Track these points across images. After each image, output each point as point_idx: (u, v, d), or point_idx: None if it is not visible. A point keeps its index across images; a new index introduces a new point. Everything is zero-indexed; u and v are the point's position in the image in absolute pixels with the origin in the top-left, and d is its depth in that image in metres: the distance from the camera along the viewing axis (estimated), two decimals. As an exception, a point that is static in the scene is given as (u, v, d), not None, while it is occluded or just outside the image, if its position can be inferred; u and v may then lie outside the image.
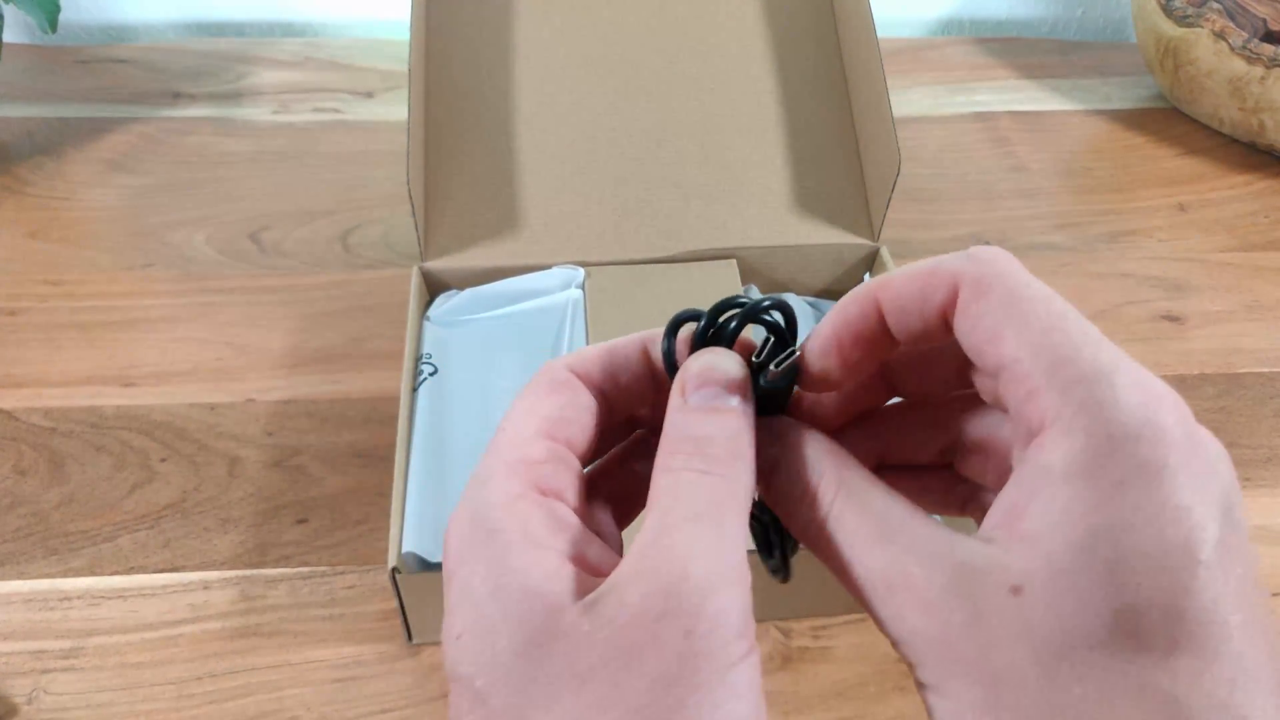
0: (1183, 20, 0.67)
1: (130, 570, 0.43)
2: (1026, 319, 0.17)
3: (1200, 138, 0.71)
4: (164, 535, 0.44)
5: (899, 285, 0.19)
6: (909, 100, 0.73)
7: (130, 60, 0.74)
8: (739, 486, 0.19)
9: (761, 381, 0.21)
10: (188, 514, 0.45)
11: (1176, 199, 0.66)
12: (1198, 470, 0.16)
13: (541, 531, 0.19)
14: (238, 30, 0.80)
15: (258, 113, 0.69)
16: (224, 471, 0.47)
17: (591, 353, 0.22)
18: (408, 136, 0.45)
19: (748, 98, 0.54)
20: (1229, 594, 0.15)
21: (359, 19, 0.80)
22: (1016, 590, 0.16)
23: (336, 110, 0.70)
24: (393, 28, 0.79)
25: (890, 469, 0.23)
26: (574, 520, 0.20)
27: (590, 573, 0.18)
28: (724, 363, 0.20)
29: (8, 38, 0.69)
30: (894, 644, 0.18)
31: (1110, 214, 0.65)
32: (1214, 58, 0.66)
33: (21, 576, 0.42)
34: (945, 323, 0.19)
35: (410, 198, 0.46)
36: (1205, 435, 0.17)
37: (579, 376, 0.21)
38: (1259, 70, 0.64)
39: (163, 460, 0.47)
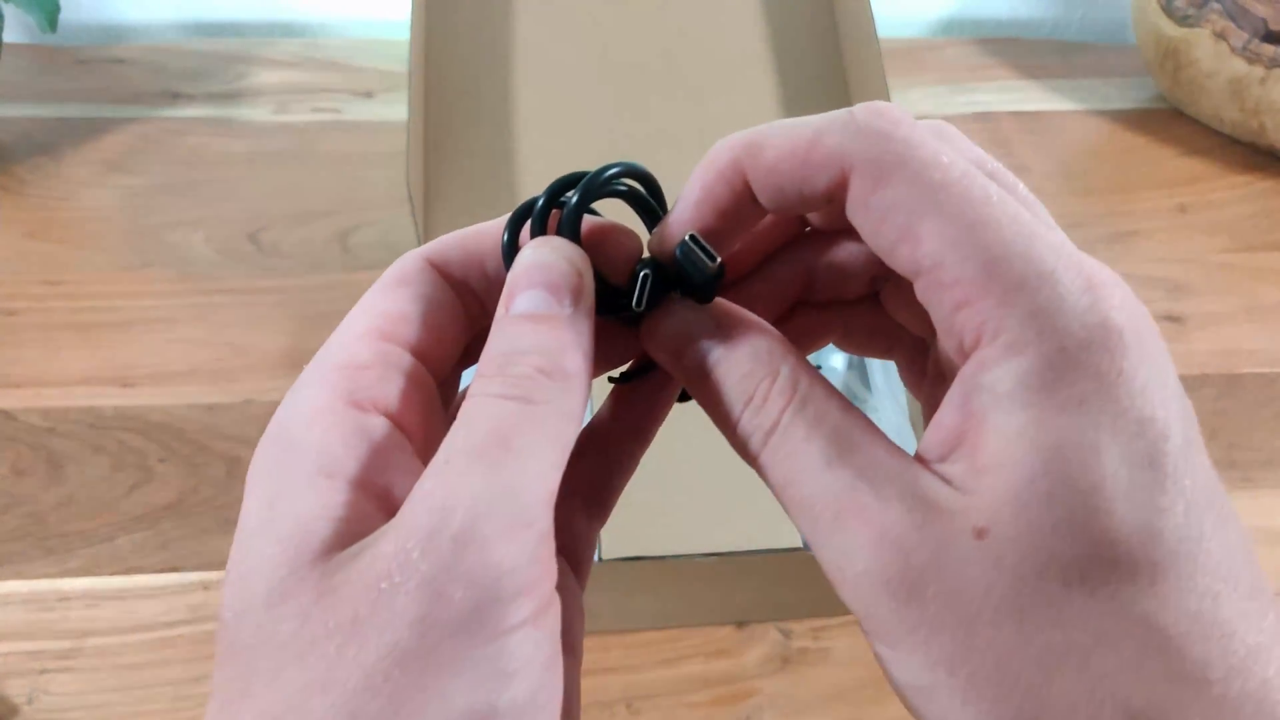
0: (1183, 21, 0.67)
1: (128, 571, 0.43)
2: (944, 209, 0.15)
3: (1201, 139, 0.71)
4: (162, 536, 0.44)
5: (770, 160, 0.16)
6: (909, 100, 0.73)
7: (130, 60, 0.74)
8: (553, 412, 0.15)
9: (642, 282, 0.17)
10: (186, 515, 0.45)
11: (1177, 200, 0.66)
12: (1153, 370, 0.15)
13: (338, 453, 0.16)
14: (237, 30, 0.80)
15: (257, 113, 0.69)
16: (222, 472, 0.46)
17: (451, 238, 0.18)
18: (407, 137, 0.45)
19: (748, 98, 0.54)
20: (1199, 500, 0.14)
21: (359, 19, 0.80)
22: (980, 533, 0.14)
23: (336, 110, 0.70)
24: (392, 28, 0.79)
25: (812, 305, 0.20)
26: (388, 440, 0.16)
27: (389, 510, 0.15)
28: (551, 256, 0.17)
29: (8, 38, 0.69)
30: (836, 586, 0.15)
31: (1111, 215, 0.65)
32: (1214, 59, 0.66)
33: (20, 577, 0.42)
34: (835, 206, 0.16)
35: (410, 198, 0.45)
36: (1145, 320, 0.15)
37: (435, 266, 0.18)
38: (1259, 71, 0.64)
39: (161, 461, 0.47)
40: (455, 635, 0.13)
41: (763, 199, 0.17)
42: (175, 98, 0.70)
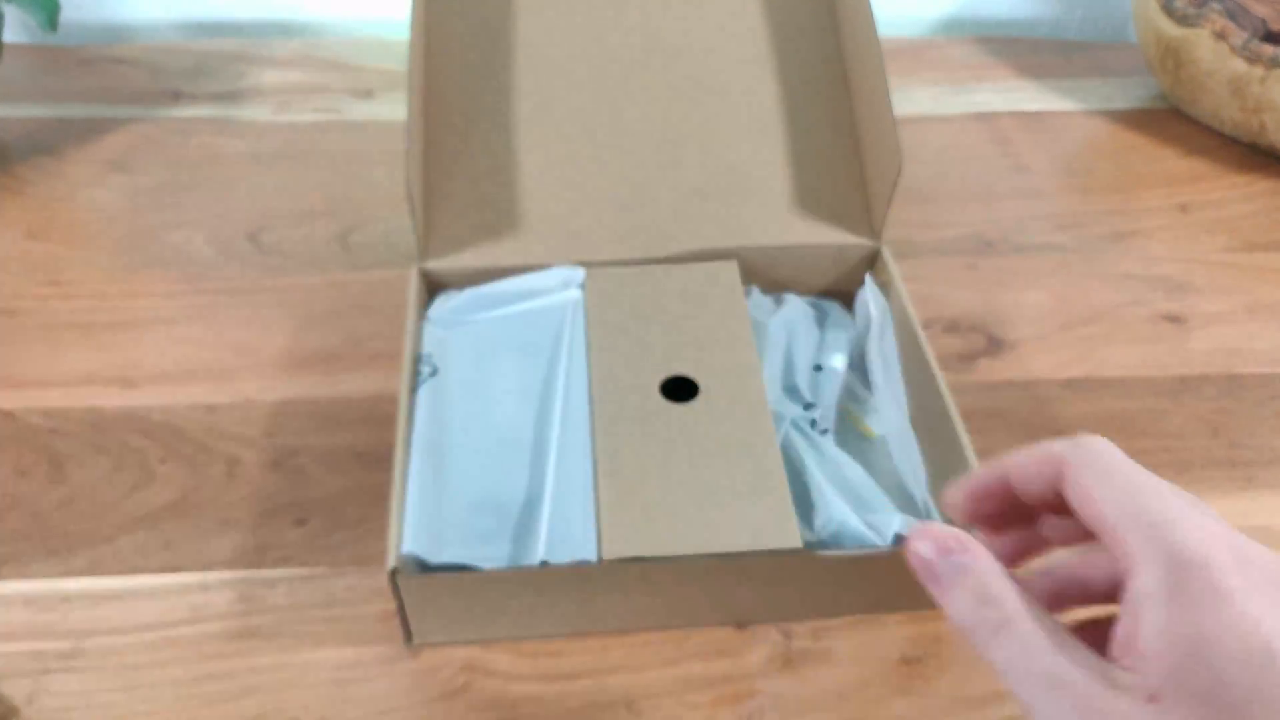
0: (1183, 21, 0.67)
1: (130, 571, 0.43)
2: (1114, 485, 0.23)
3: (1201, 138, 0.71)
4: (163, 536, 0.44)
5: (1021, 462, 0.26)
6: (910, 100, 0.73)
7: (130, 60, 0.74)
8: None
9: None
10: (187, 515, 0.45)
11: (1177, 199, 0.66)
12: (1258, 587, 0.21)
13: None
14: (238, 30, 0.80)
15: (257, 113, 0.69)
16: (223, 472, 0.47)
17: None
18: (407, 136, 0.45)
19: (748, 97, 0.54)
20: None
21: (359, 19, 0.80)
22: (1153, 698, 0.20)
23: (336, 110, 0.70)
24: (393, 28, 0.79)
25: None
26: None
27: None
28: None
29: (8, 38, 0.69)
30: None
31: (1111, 214, 0.65)
32: (1214, 58, 0.66)
33: (21, 577, 0.42)
34: (1058, 493, 0.25)
35: (410, 198, 0.45)
36: (1257, 552, 0.22)
37: None
38: (1259, 71, 0.64)
39: (162, 461, 0.47)
40: None
41: (1018, 488, 0.27)
42: (176, 97, 0.70)
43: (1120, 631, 0.22)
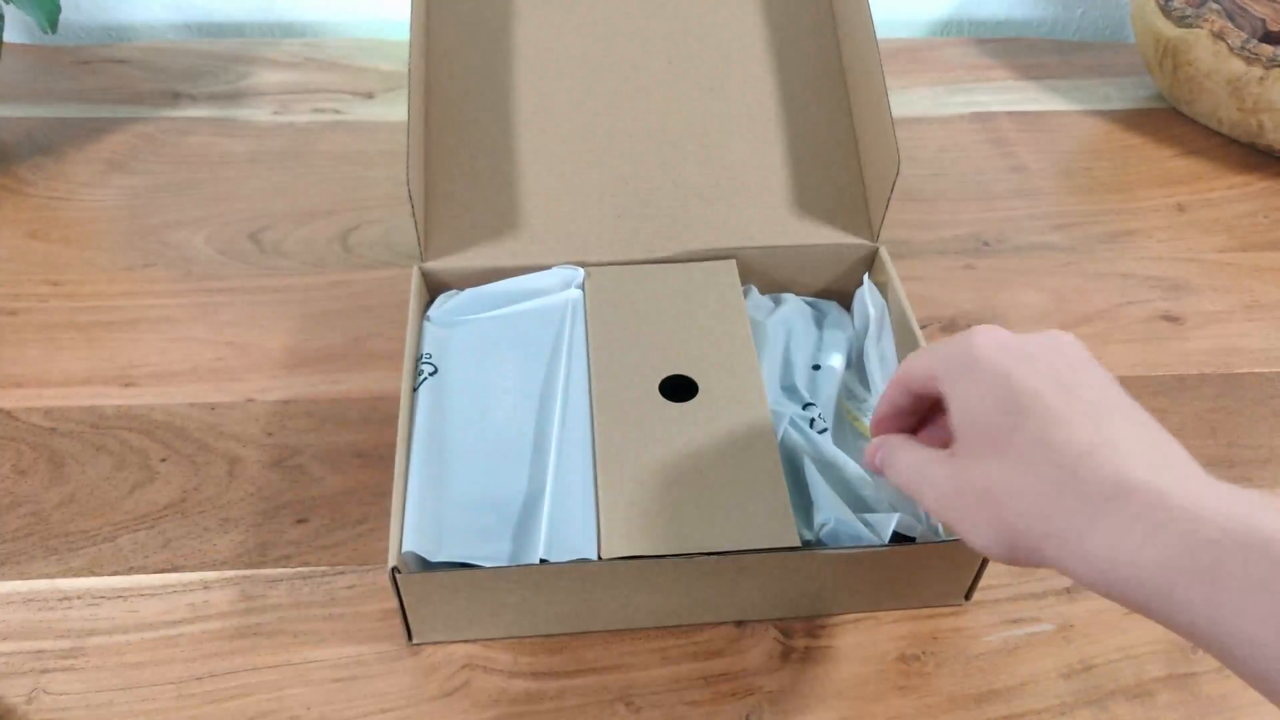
0: (1182, 21, 0.67)
1: (130, 570, 0.43)
2: (925, 355, 0.35)
3: (1199, 138, 0.72)
4: (164, 535, 0.44)
5: (884, 405, 0.37)
6: (908, 100, 0.73)
7: (130, 60, 0.74)
8: None
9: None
10: (188, 514, 0.45)
11: (1175, 199, 0.66)
12: (1010, 353, 0.31)
13: None
14: (238, 30, 0.80)
15: (258, 113, 0.69)
16: (224, 471, 0.47)
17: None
18: (408, 136, 0.46)
19: (747, 98, 0.54)
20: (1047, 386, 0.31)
21: (359, 19, 0.81)
22: (952, 452, 0.32)
23: (336, 110, 0.70)
24: (393, 28, 0.79)
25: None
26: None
27: None
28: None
29: (8, 38, 0.69)
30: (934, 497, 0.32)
31: (1109, 214, 0.65)
32: (1213, 58, 0.66)
33: (21, 576, 0.42)
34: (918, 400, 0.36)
35: (410, 198, 0.46)
36: (1012, 335, 0.32)
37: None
38: (1258, 70, 0.64)
39: (163, 460, 0.47)
40: None
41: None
42: (176, 98, 0.70)
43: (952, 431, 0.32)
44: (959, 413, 0.31)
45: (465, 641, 0.40)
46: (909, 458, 0.34)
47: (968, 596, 0.42)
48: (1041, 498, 0.28)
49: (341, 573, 0.43)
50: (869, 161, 0.52)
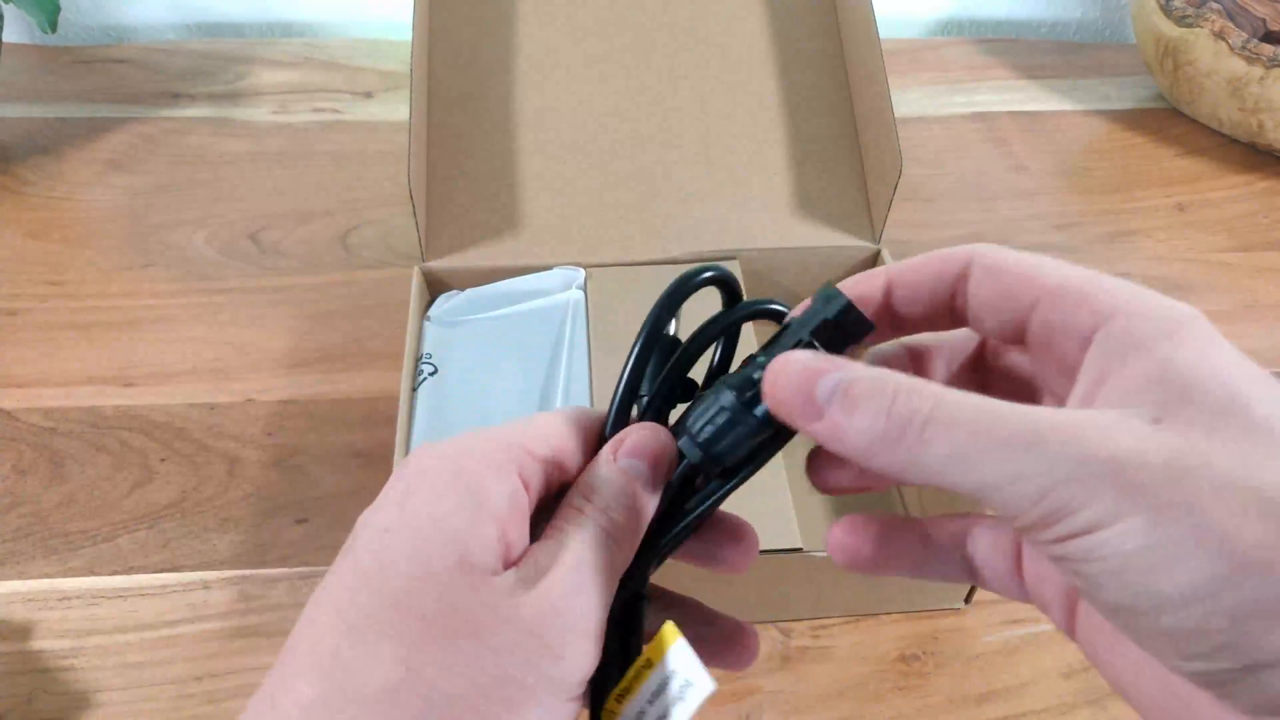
0: (1182, 20, 0.67)
1: (130, 570, 0.43)
2: (1048, 262, 0.21)
3: (1199, 138, 0.72)
4: (163, 535, 0.44)
5: (913, 266, 0.22)
6: (909, 100, 0.73)
7: (130, 60, 0.74)
8: (625, 552, 0.22)
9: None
10: (187, 514, 0.45)
11: (1176, 199, 0.66)
12: (1199, 335, 0.19)
13: (501, 508, 0.21)
14: (237, 30, 0.80)
15: (257, 113, 0.69)
16: (223, 471, 0.47)
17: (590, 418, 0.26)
18: (409, 136, 0.46)
19: (749, 99, 0.54)
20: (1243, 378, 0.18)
21: (359, 19, 0.80)
22: (1157, 420, 0.18)
23: (336, 110, 0.70)
24: (392, 28, 0.79)
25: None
26: (524, 510, 0.22)
27: (507, 552, 0.21)
28: (653, 441, 0.24)
29: (8, 38, 0.69)
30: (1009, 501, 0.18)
31: (1109, 214, 0.65)
32: (1213, 58, 0.66)
33: (21, 576, 0.42)
34: (950, 302, 0.22)
35: (411, 198, 0.46)
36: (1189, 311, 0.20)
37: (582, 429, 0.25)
38: (1258, 70, 0.64)
39: (162, 460, 0.47)
40: (551, 690, 0.20)
41: (899, 294, 0.23)
42: (175, 98, 0.70)
43: (1080, 389, 0.19)
44: (1168, 370, 0.18)
45: (465, 642, 0.40)
46: (972, 400, 0.18)
47: (968, 600, 0.42)
48: None
49: (341, 573, 0.43)
50: (871, 163, 0.52)
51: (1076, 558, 0.17)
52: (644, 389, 0.24)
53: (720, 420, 0.22)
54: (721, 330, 0.24)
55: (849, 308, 0.22)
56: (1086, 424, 0.18)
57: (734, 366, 0.25)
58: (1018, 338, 0.21)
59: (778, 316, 0.24)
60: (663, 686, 0.21)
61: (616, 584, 0.22)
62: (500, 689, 0.19)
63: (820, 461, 0.24)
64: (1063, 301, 0.20)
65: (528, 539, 0.22)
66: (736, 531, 0.26)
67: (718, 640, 0.25)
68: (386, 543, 0.21)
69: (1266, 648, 0.16)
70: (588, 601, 0.21)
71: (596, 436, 0.25)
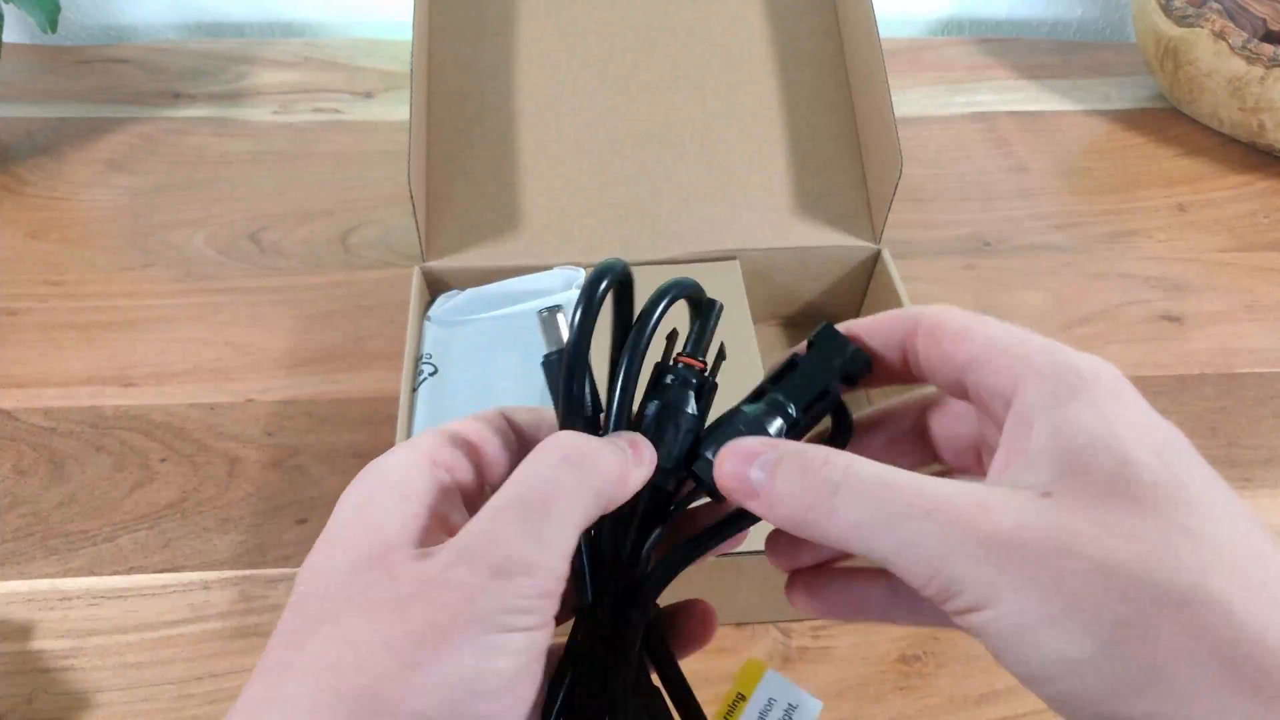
0: (1182, 20, 0.67)
1: (130, 570, 0.43)
2: (983, 325, 0.21)
3: (1200, 138, 0.72)
4: (164, 535, 0.44)
5: (867, 325, 0.23)
6: (909, 100, 0.73)
7: (130, 60, 0.74)
8: (588, 486, 0.21)
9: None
10: (187, 514, 0.45)
11: (1176, 199, 0.66)
12: (1102, 396, 0.20)
13: (419, 488, 0.21)
14: (238, 30, 0.80)
15: (258, 113, 0.69)
16: (224, 471, 0.47)
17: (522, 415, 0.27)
18: (409, 136, 0.46)
19: (749, 99, 0.54)
20: (1154, 456, 0.19)
21: (359, 19, 0.80)
22: (1047, 494, 0.18)
23: (336, 110, 0.70)
24: (393, 28, 0.79)
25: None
26: (450, 490, 0.22)
27: (449, 531, 0.21)
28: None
29: (8, 38, 0.69)
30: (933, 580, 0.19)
31: (1110, 214, 0.65)
32: (1214, 58, 0.66)
33: (21, 576, 0.42)
34: (902, 354, 0.23)
35: (411, 198, 0.46)
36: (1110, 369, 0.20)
37: (508, 418, 0.26)
38: (1259, 70, 0.64)
39: (162, 460, 0.47)
40: (471, 626, 0.19)
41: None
42: (176, 98, 0.70)
43: (999, 456, 0.20)
44: (1064, 438, 0.19)
45: (465, 642, 0.40)
46: (877, 472, 0.19)
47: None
48: (1239, 607, 0.17)
49: (341, 573, 0.43)
50: (871, 163, 0.52)
51: (973, 631, 0.18)
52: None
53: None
54: (648, 341, 0.26)
55: (854, 352, 0.23)
56: (974, 502, 0.18)
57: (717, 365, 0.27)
58: (965, 396, 0.22)
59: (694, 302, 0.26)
60: (761, 717, 0.22)
61: (530, 534, 0.20)
62: (425, 633, 0.19)
63: (778, 545, 0.25)
64: (987, 365, 0.21)
65: (467, 516, 0.22)
66: (701, 615, 0.26)
67: (685, 623, 0.26)
68: (319, 546, 0.22)
69: (1136, 717, 0.17)
70: (491, 541, 0.20)
71: (529, 426, 0.27)
